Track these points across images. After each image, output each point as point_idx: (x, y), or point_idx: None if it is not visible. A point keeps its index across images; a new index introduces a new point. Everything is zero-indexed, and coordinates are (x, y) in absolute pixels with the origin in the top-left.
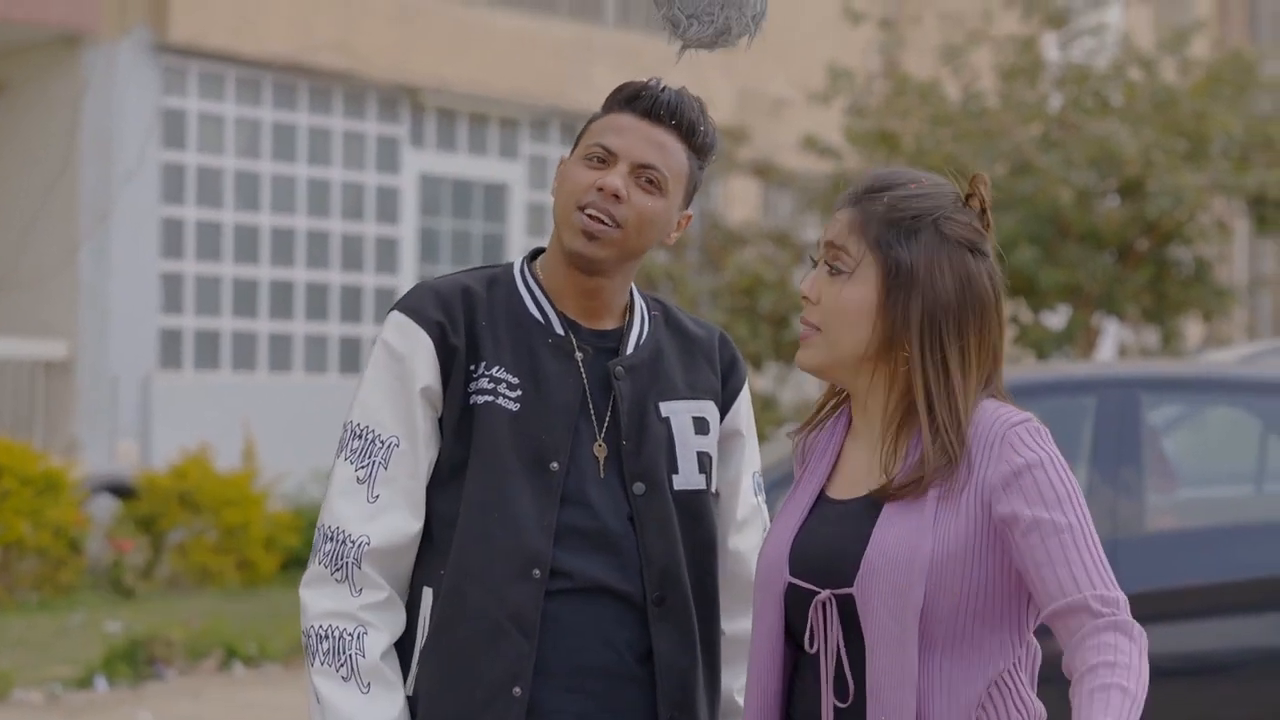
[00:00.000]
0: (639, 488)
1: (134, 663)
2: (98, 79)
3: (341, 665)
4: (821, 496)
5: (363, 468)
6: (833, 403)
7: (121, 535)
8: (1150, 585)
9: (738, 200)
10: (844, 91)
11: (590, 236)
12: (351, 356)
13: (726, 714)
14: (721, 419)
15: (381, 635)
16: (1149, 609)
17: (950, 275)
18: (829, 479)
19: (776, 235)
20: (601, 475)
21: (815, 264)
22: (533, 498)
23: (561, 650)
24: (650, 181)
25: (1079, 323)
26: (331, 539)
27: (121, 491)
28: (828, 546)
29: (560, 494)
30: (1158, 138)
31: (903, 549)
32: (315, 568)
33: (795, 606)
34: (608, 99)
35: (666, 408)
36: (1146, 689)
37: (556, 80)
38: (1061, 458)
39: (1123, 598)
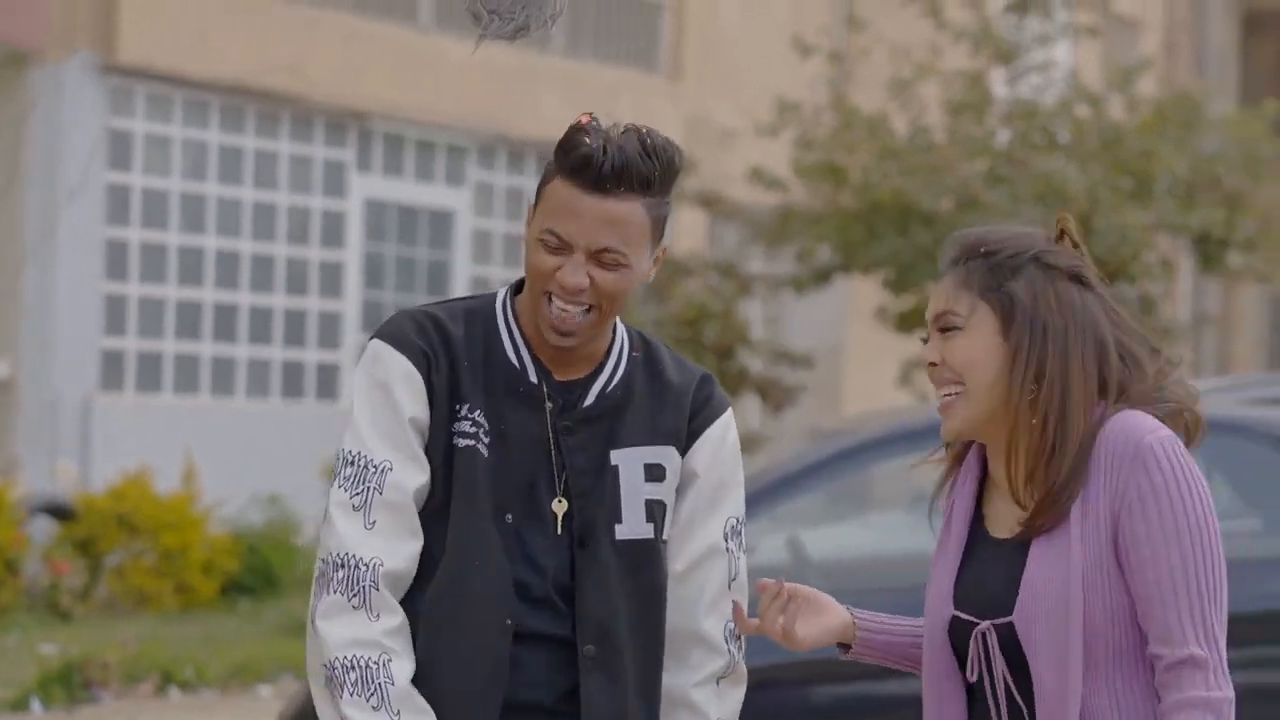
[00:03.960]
0: (581, 542)
1: (69, 686)
2: (44, 99)
3: (372, 694)
4: (979, 531)
5: (358, 494)
6: (957, 451)
7: (59, 557)
8: None
9: (684, 231)
10: (792, 124)
11: (563, 333)
12: (294, 381)
13: None
14: (682, 459)
15: (406, 662)
16: None
17: (1055, 304)
18: (984, 516)
19: (722, 266)
20: (558, 531)
21: (924, 341)
22: (500, 549)
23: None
24: (612, 260)
25: None
26: (343, 565)
27: (60, 513)
28: (987, 579)
29: (515, 545)
30: (1104, 175)
31: (1056, 570)
32: (331, 598)
33: (960, 639)
34: (556, 156)
35: (617, 455)
36: None
37: (504, 108)
38: (1195, 476)
39: (1217, 653)
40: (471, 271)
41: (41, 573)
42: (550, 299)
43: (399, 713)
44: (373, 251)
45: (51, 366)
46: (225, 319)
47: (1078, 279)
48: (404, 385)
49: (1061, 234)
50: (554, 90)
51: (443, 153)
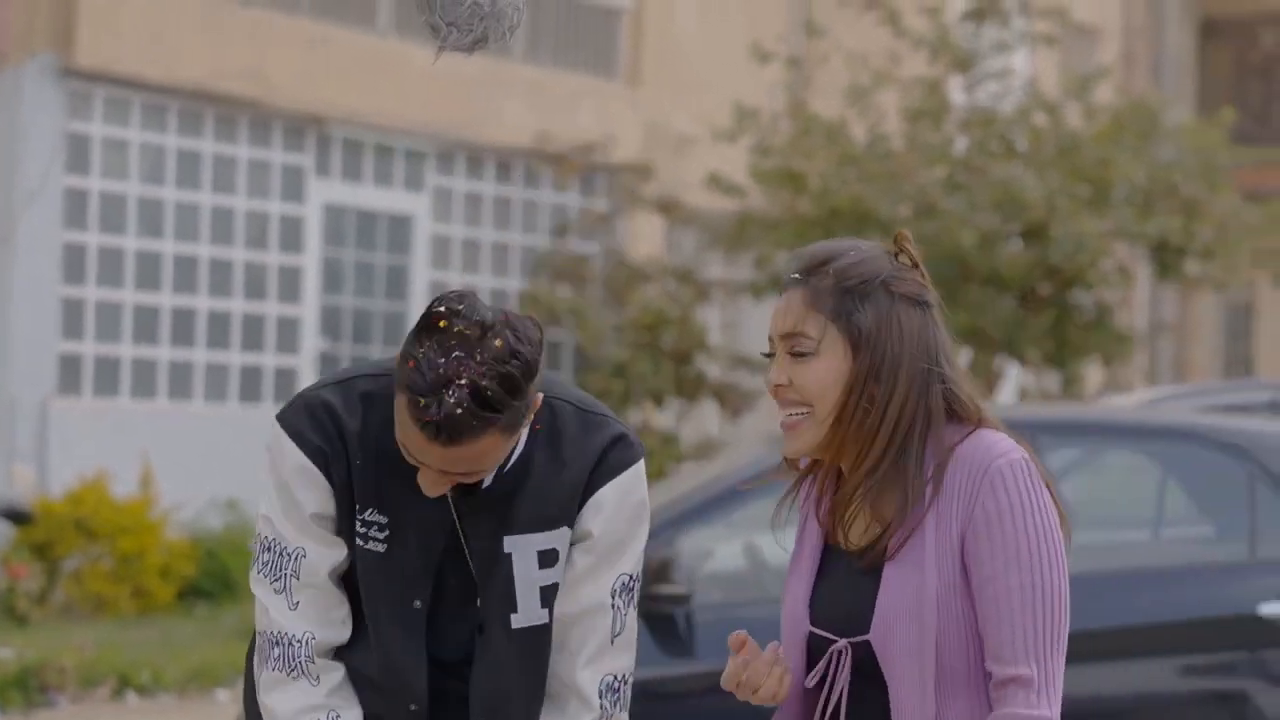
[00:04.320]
0: (480, 629)
1: (26, 690)
2: (2, 102)
3: None
4: (830, 548)
5: (277, 580)
6: (802, 472)
7: (16, 561)
8: None
9: (642, 237)
10: (750, 130)
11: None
12: (252, 386)
13: None
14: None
15: (353, 714)
16: None
17: (902, 329)
18: (832, 530)
19: (680, 272)
20: (464, 612)
21: (770, 355)
22: (404, 636)
23: None
24: (472, 476)
25: (980, 365)
26: (278, 643)
27: (17, 517)
28: (845, 598)
29: (424, 628)
30: (1062, 183)
31: (910, 591)
32: (270, 674)
33: (815, 655)
34: (398, 378)
35: (510, 542)
36: None
37: (464, 113)
38: (1043, 500)
39: (1045, 673)
40: (430, 276)
41: None
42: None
43: None
44: (331, 256)
45: (8, 370)
46: (183, 323)
47: (920, 305)
48: (303, 483)
49: (899, 252)
50: (514, 96)
51: (401, 158)
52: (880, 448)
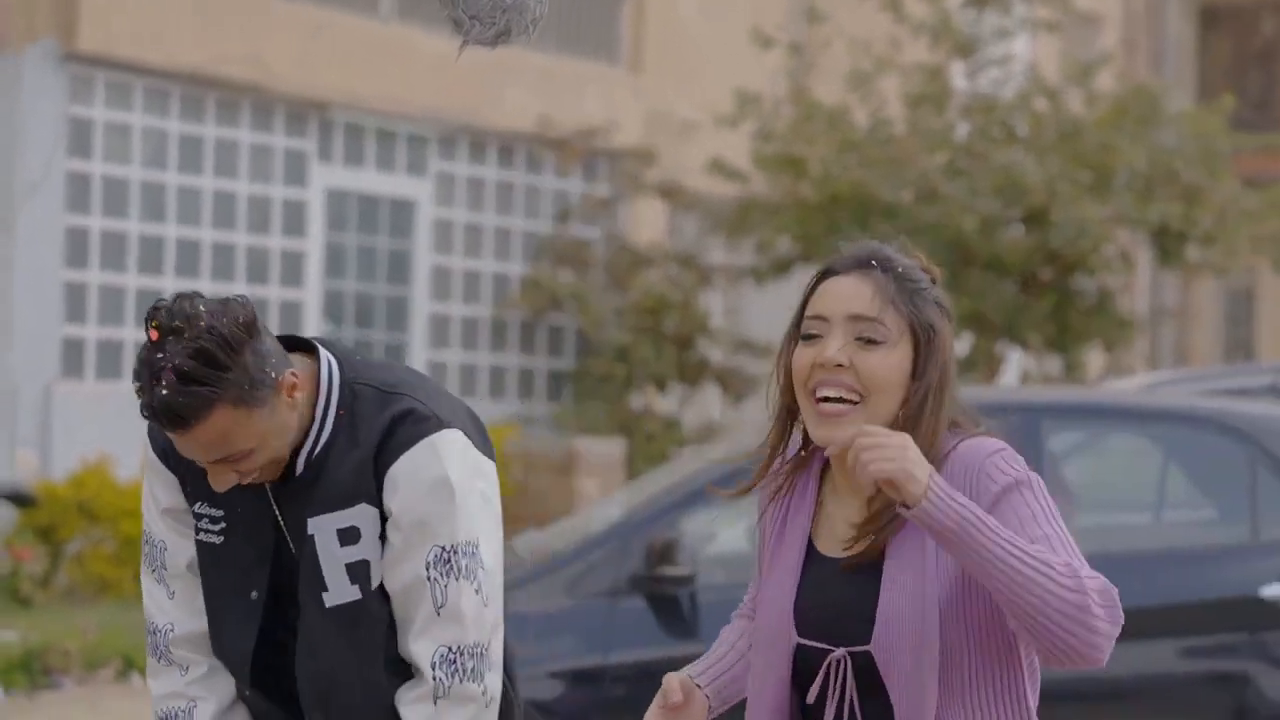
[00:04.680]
0: (296, 611)
1: (30, 672)
2: (3, 87)
3: None
4: (812, 552)
5: (153, 569)
6: (792, 461)
7: (20, 544)
8: None
9: (644, 222)
10: (751, 115)
11: (241, 484)
12: None
13: None
14: (381, 505)
15: (209, 704)
16: None
17: (948, 341)
18: (813, 532)
19: (682, 257)
20: (289, 598)
21: (802, 337)
22: (238, 625)
23: None
24: (234, 458)
25: (982, 350)
26: (151, 632)
27: (20, 500)
28: (837, 606)
29: (259, 618)
30: (1063, 168)
31: (913, 598)
32: (149, 660)
33: (803, 665)
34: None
35: (313, 524)
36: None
37: (467, 98)
38: (1037, 480)
39: (1103, 581)
40: (432, 261)
41: (2, 560)
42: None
43: None
44: (334, 241)
45: (11, 354)
46: None
47: (946, 316)
48: (156, 478)
49: (924, 270)
50: (517, 81)
51: (404, 143)
52: (923, 450)
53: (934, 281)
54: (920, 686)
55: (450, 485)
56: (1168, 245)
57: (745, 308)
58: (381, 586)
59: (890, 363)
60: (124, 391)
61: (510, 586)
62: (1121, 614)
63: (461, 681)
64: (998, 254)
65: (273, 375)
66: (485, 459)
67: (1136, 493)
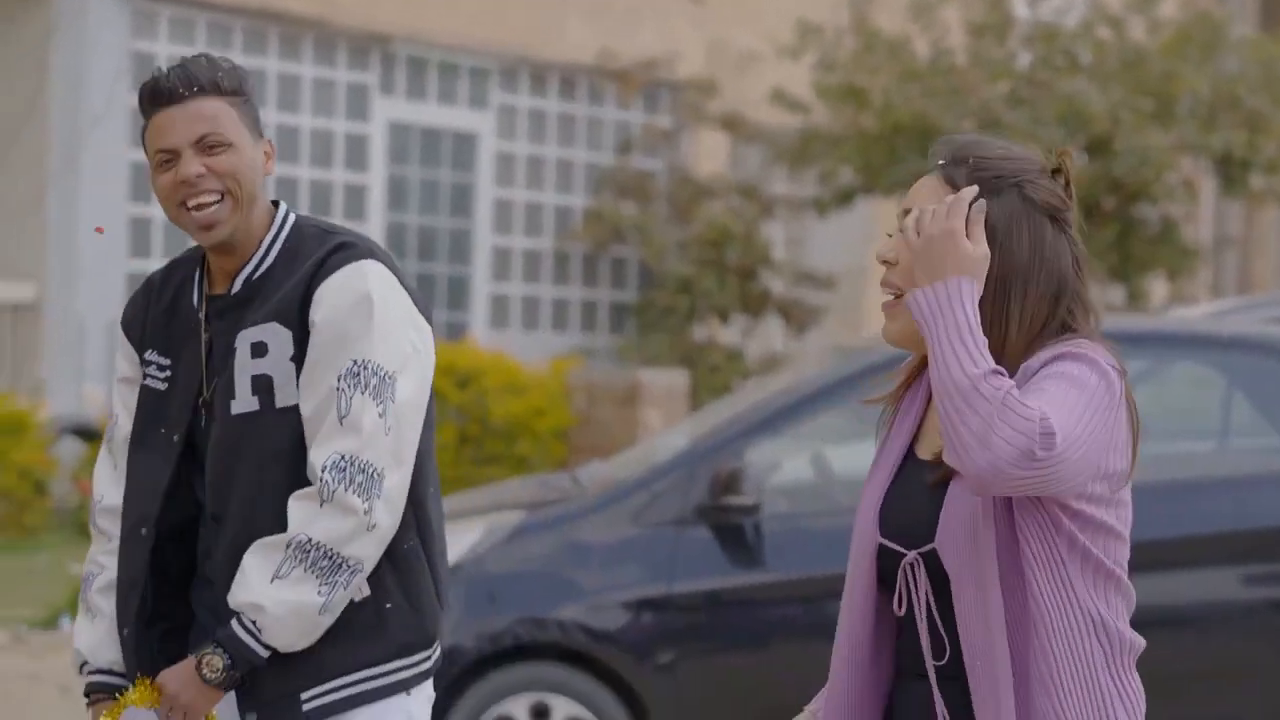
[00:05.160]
0: (205, 420)
1: None
2: (67, 21)
3: (83, 601)
4: (909, 456)
5: (108, 440)
6: (916, 370)
7: (86, 477)
8: None
9: (706, 153)
10: (813, 46)
11: (207, 227)
12: None
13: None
14: (307, 324)
15: (107, 574)
16: None
17: (1027, 238)
18: (915, 438)
19: (744, 188)
20: (204, 421)
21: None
22: (152, 467)
23: (165, 591)
24: (214, 142)
25: None
26: (94, 502)
27: (87, 434)
28: (911, 507)
29: (176, 460)
30: (1125, 96)
31: (970, 506)
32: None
33: (887, 567)
34: (140, 106)
35: (239, 339)
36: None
37: (528, 31)
38: (1090, 370)
39: (1048, 421)
40: (495, 194)
41: (70, 493)
42: (185, 208)
43: (93, 616)
44: (396, 174)
45: (77, 290)
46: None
47: (1054, 218)
48: (121, 351)
49: (1058, 169)
50: (577, 13)
51: (466, 75)
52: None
53: (1049, 170)
54: (980, 582)
55: (371, 302)
56: (1231, 173)
57: (807, 238)
58: (284, 409)
59: None
60: None
61: (575, 516)
62: (1036, 451)
63: (345, 490)
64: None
65: (260, 124)
66: (419, 315)
67: (1200, 420)
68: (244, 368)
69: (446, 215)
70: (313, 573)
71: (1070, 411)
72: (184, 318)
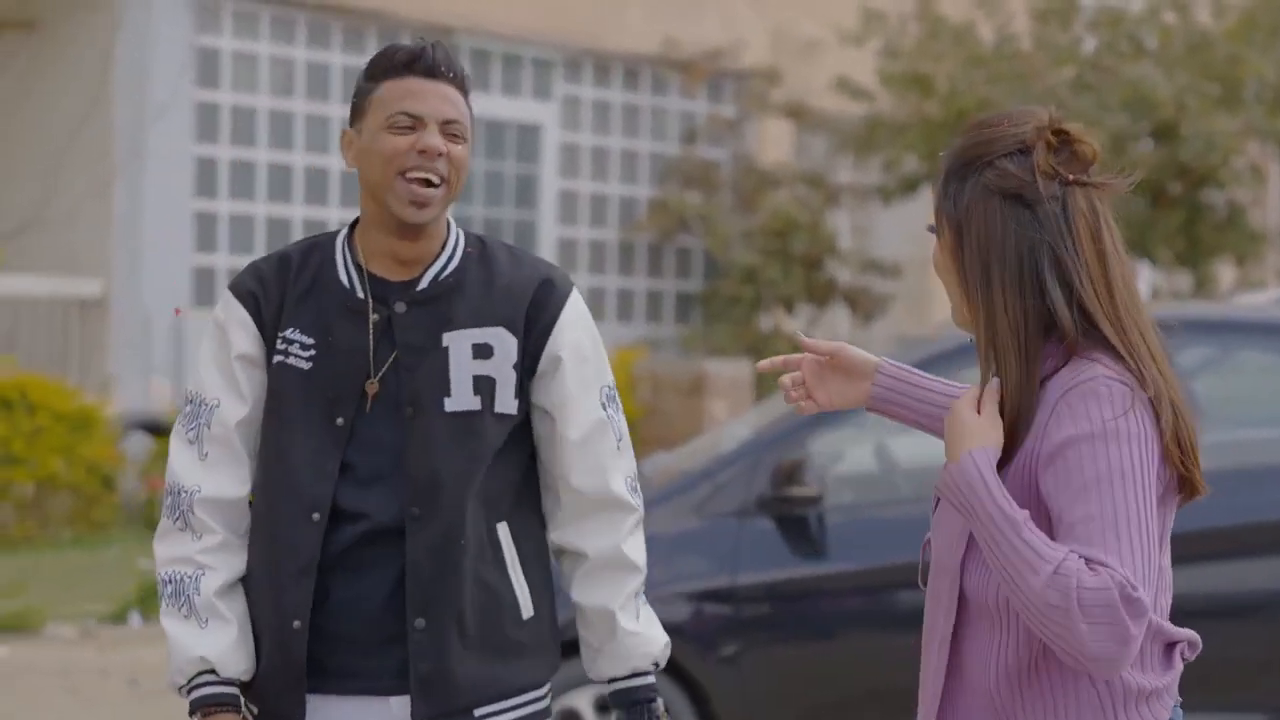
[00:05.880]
0: (408, 411)
1: None
2: (131, 16)
3: (182, 604)
4: None
5: (191, 429)
6: None
7: (155, 473)
8: (1176, 528)
9: (770, 142)
10: (877, 33)
11: (420, 205)
12: None
13: (597, 629)
14: (541, 348)
15: (218, 574)
16: (1175, 550)
17: (988, 224)
18: None
19: (809, 177)
20: (369, 410)
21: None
22: (316, 449)
23: (338, 583)
24: (456, 131)
25: None
26: (171, 493)
27: (155, 429)
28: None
29: (345, 445)
30: (1191, 81)
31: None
32: (163, 522)
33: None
34: (379, 67)
35: (448, 338)
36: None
37: (591, 21)
38: (1120, 424)
39: (1128, 573)
40: (559, 185)
41: (138, 489)
42: (404, 177)
43: (206, 621)
44: None
45: (143, 284)
46: (315, 235)
47: (1016, 198)
48: (236, 325)
49: (1054, 130)
50: (639, 3)
51: (529, 67)
52: (985, 348)
53: (1029, 144)
54: (944, 595)
55: (596, 334)
56: None
57: (873, 227)
58: (501, 414)
59: (938, 253)
60: None
61: None
62: (1130, 629)
63: (641, 505)
64: (1127, 169)
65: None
66: None
67: (1267, 408)
68: (464, 366)
69: (511, 207)
70: (643, 597)
71: (1130, 533)
72: (333, 298)
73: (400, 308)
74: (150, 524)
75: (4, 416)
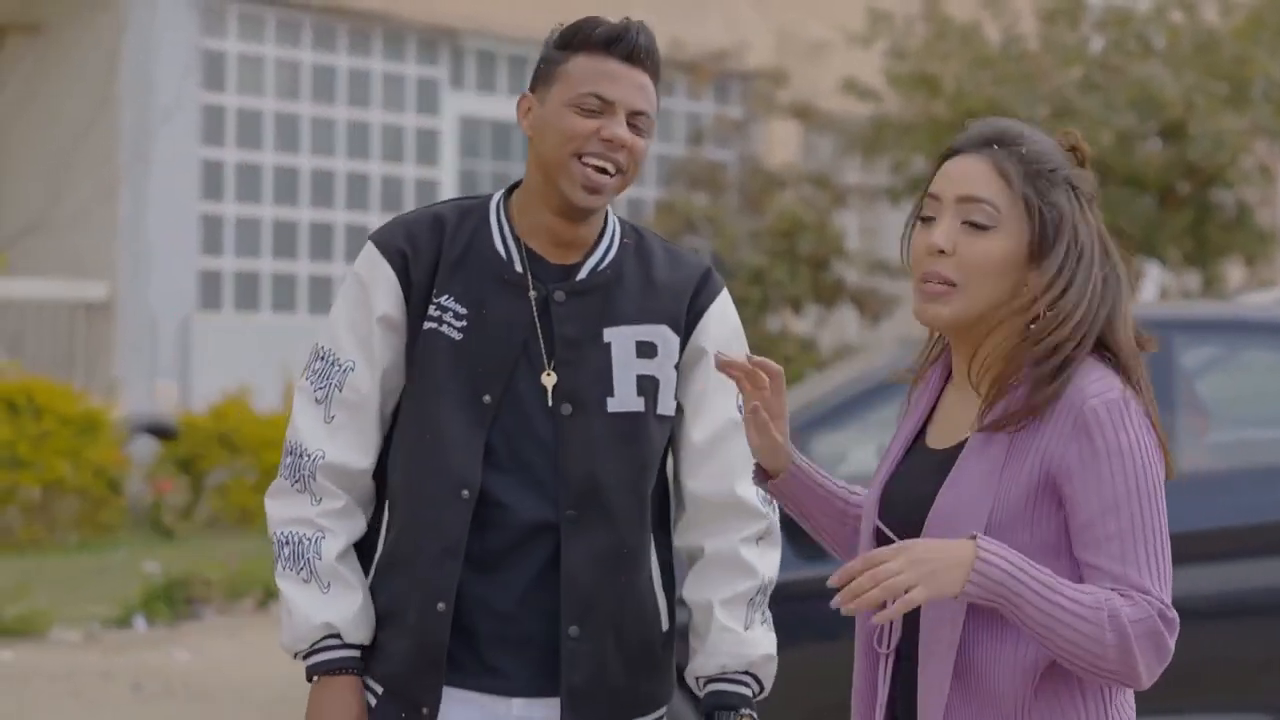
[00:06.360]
0: (566, 409)
1: (172, 602)
2: (137, 19)
3: (302, 568)
4: (919, 443)
5: (320, 389)
6: (936, 351)
7: (161, 476)
8: (1181, 527)
9: (777, 143)
10: (884, 34)
11: (593, 190)
12: None
13: (697, 623)
14: (686, 340)
15: (339, 539)
16: (1181, 550)
17: (1087, 230)
18: (926, 425)
19: (816, 178)
20: (550, 403)
21: (922, 219)
22: (465, 425)
23: (484, 570)
24: (643, 124)
25: None
26: (292, 453)
27: (161, 432)
28: (909, 494)
29: (490, 425)
30: (1199, 81)
31: (966, 501)
32: (279, 481)
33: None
34: (577, 38)
35: (610, 333)
36: (1110, 652)
37: None
38: (1142, 440)
39: (1162, 595)
40: None
41: (144, 492)
42: (581, 160)
43: (329, 585)
44: (467, 168)
45: (149, 288)
46: (321, 237)
47: (1092, 206)
48: (382, 284)
49: (1072, 149)
50: (644, 4)
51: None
52: (1014, 343)
53: (1081, 162)
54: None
55: (743, 335)
56: None
57: (881, 228)
58: (662, 416)
59: (993, 249)
60: (262, 323)
61: None
62: (1170, 647)
63: (776, 519)
64: (1135, 169)
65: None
66: None
67: (1273, 407)
68: (628, 365)
69: None
70: (764, 611)
71: (1157, 548)
72: (489, 269)
73: (560, 296)
74: (157, 527)
75: (10, 420)
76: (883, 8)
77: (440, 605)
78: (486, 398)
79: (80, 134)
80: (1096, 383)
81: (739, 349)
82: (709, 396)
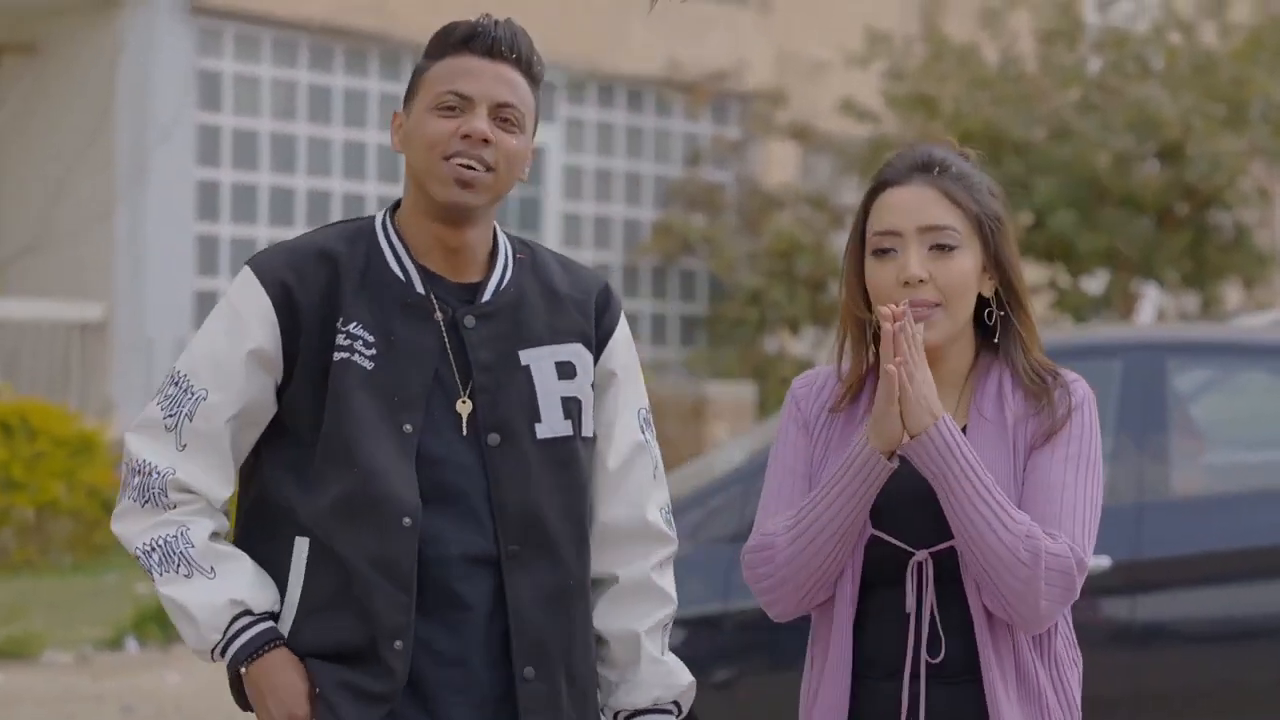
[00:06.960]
0: (493, 439)
1: (165, 624)
2: (133, 40)
3: (179, 565)
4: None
5: (170, 416)
6: (857, 389)
7: None
8: (1176, 550)
9: (775, 163)
10: (882, 55)
11: (465, 185)
12: None
13: (618, 655)
14: (596, 361)
15: (204, 523)
16: (1174, 574)
17: (1009, 223)
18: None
19: (814, 198)
20: (464, 432)
21: (883, 251)
22: (392, 456)
23: (424, 611)
24: (507, 120)
25: (1118, 287)
26: (139, 473)
27: None
28: (912, 500)
29: (415, 455)
30: (1197, 102)
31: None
32: (124, 503)
33: (879, 560)
34: (437, 44)
35: (526, 355)
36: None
37: (593, 43)
38: (1094, 422)
39: (1084, 545)
40: (562, 207)
41: None
42: (447, 161)
43: (212, 569)
44: None
45: (145, 308)
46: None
47: (1006, 204)
48: (256, 317)
49: (962, 155)
50: (644, 25)
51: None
52: (976, 345)
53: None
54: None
55: (635, 351)
56: None
57: None
58: (587, 438)
59: (965, 265)
60: None
61: None
62: (1077, 591)
63: (676, 538)
64: (1132, 190)
65: (537, 128)
66: None
67: (1268, 430)
68: (550, 388)
69: (514, 229)
70: (669, 636)
71: (1086, 507)
72: (390, 292)
73: (470, 321)
74: None
75: (4, 441)
76: (881, 29)
77: (397, 644)
78: (407, 427)
79: (77, 154)
80: (1060, 374)
81: (636, 368)
82: (618, 420)
